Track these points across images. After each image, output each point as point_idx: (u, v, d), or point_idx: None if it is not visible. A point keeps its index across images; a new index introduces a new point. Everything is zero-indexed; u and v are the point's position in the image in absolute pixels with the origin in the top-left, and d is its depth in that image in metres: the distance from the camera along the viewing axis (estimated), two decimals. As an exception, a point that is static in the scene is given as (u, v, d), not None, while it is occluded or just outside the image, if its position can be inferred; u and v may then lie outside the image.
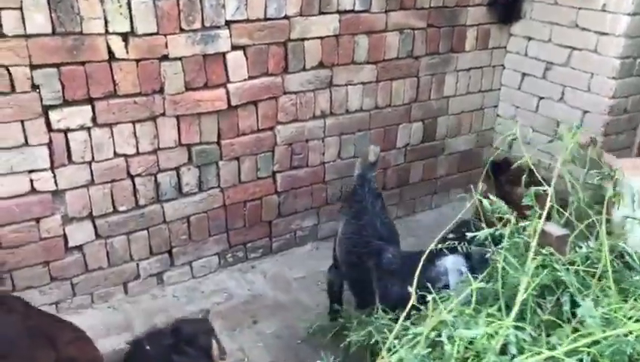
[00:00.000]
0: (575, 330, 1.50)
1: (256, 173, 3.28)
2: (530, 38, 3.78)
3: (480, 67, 3.89)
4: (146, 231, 3.04)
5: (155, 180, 2.96)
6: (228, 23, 2.85)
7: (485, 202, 1.89)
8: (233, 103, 3.02)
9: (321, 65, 3.23)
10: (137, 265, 3.09)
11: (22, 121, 2.51)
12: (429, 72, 3.66)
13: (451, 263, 2.13)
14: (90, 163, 2.74)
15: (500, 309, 1.60)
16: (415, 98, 3.68)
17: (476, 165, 4.22)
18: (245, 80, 3.02)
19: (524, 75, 3.88)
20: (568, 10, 3.49)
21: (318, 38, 3.15)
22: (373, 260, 2.37)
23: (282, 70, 3.12)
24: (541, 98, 3.79)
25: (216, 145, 3.07)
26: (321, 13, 3.09)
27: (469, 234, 1.93)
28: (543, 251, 1.67)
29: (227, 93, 2.98)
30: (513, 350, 1.44)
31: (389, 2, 3.28)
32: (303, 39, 3.11)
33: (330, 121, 3.40)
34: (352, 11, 3.19)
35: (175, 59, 2.76)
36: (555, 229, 1.76)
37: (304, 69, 3.19)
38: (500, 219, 1.97)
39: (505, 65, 3.98)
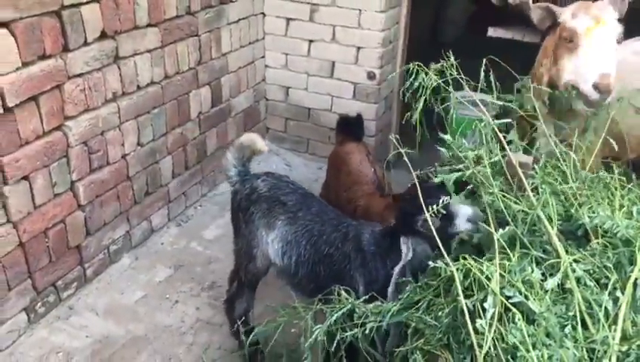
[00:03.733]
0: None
1: (52, 189, 2.48)
2: (289, -19, 3.67)
3: (246, 17, 3.63)
4: None
5: None
6: (-20, -10, 1.98)
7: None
8: (10, 104, 2.17)
9: (104, 35, 2.54)
10: None
11: None
12: (207, 28, 3.25)
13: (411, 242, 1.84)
14: None
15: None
16: (199, 60, 3.25)
17: (256, 121, 4.05)
18: (19, 69, 2.18)
19: (289, 20, 3.78)
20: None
21: (95, 0, 2.45)
22: (350, 244, 1.98)
23: (62, 48, 2.35)
24: (312, 41, 3.77)
25: (-6, 166, 2.19)
26: (92, -34, 2.40)
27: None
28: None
29: None
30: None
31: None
32: (78, 4, 2.38)
33: (123, 102, 2.75)
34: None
35: None
36: (519, 157, 1.78)
37: (86, 44, 2.47)
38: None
39: (265, 13, 3.81)
